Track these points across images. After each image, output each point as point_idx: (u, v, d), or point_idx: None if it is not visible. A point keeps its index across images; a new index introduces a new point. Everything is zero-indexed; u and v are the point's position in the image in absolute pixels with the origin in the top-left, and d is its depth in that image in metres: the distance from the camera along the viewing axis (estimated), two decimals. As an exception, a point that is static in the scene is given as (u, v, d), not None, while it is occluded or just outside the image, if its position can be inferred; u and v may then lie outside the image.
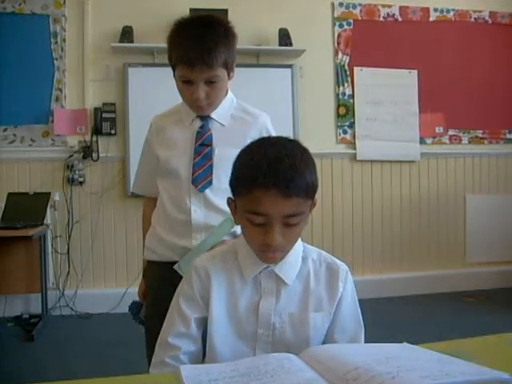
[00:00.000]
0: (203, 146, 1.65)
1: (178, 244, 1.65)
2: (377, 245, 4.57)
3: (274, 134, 1.72)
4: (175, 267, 1.61)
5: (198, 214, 1.64)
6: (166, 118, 1.77)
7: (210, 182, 1.64)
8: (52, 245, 4.06)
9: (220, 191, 1.64)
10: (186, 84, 1.58)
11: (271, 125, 1.77)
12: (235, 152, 1.66)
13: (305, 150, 1.16)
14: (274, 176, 1.05)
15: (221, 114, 1.69)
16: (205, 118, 1.68)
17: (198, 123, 1.68)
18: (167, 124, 1.74)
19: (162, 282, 1.70)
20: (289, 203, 1.07)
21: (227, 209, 1.62)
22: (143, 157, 1.85)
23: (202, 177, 1.64)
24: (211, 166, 1.64)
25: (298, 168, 1.08)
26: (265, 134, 1.68)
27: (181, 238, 1.65)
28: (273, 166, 1.07)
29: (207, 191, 1.64)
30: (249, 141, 1.67)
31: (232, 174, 1.18)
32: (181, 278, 1.62)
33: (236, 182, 1.16)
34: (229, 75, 1.63)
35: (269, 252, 1.13)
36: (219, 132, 1.68)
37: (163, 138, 1.72)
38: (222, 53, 1.56)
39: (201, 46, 1.52)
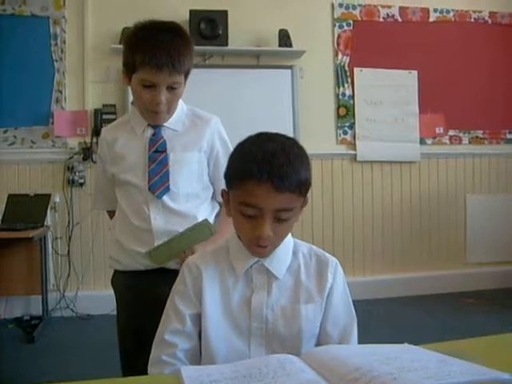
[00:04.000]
0: (157, 153, 1.65)
1: (141, 252, 1.64)
2: (377, 245, 4.57)
3: (225, 135, 1.76)
4: (145, 253, 1.61)
5: (158, 221, 1.64)
6: (116, 129, 1.76)
7: (168, 188, 1.64)
8: (52, 246, 4.07)
9: (178, 196, 1.66)
10: (146, 88, 1.56)
11: (222, 126, 1.78)
12: (190, 156, 1.68)
13: (300, 148, 1.17)
14: (268, 169, 1.07)
15: (173, 121, 1.69)
16: (157, 126, 1.67)
17: (150, 131, 1.67)
18: (117, 136, 1.72)
19: (128, 290, 1.72)
20: (281, 197, 1.09)
21: (188, 213, 1.66)
22: (99, 172, 1.85)
23: (158, 183, 1.63)
24: (167, 172, 1.64)
25: (292, 164, 1.10)
26: (217, 136, 1.73)
27: (144, 246, 1.64)
28: (268, 159, 1.08)
29: (165, 197, 1.64)
30: (205, 144, 1.68)
31: (227, 166, 1.20)
32: (147, 285, 1.64)
33: (230, 174, 1.18)
34: (185, 84, 1.63)
35: (259, 245, 1.14)
36: (172, 138, 1.67)
37: (114, 151, 1.71)
38: (187, 60, 1.57)
39: (170, 51, 1.51)
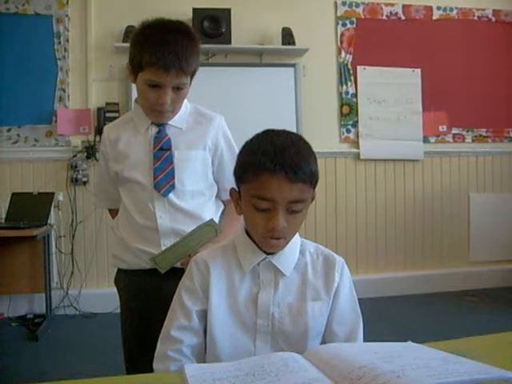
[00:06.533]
0: (162, 151, 1.64)
1: (147, 251, 1.63)
2: (380, 244, 4.57)
3: (229, 133, 1.76)
4: (150, 260, 1.60)
5: (163, 219, 1.63)
6: (119, 127, 1.75)
7: (173, 186, 1.63)
8: (56, 245, 4.07)
9: (184, 194, 1.65)
10: (152, 88, 1.55)
11: (226, 125, 1.78)
12: (194, 154, 1.68)
13: (307, 142, 1.20)
14: (281, 161, 1.09)
15: (177, 119, 1.68)
16: (161, 124, 1.67)
17: (155, 129, 1.67)
18: (120, 134, 1.71)
19: (133, 289, 1.71)
20: (294, 188, 1.10)
21: (194, 211, 1.65)
22: (101, 171, 1.83)
23: (164, 181, 1.62)
24: (173, 170, 1.63)
25: (303, 155, 1.13)
26: (221, 135, 1.73)
27: (149, 244, 1.64)
28: (279, 151, 1.10)
29: (171, 195, 1.63)
30: (209, 142, 1.68)
31: (237, 162, 1.21)
32: (152, 284, 1.63)
33: (242, 169, 1.18)
34: (190, 83, 1.63)
35: (272, 238, 1.15)
36: (177, 136, 1.67)
37: (118, 150, 1.70)
38: (194, 61, 1.57)
39: (178, 52, 1.51)
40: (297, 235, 1.24)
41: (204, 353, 1.20)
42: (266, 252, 1.20)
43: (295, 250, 1.24)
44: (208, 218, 1.64)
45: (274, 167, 1.08)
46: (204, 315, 1.20)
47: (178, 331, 1.19)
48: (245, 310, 1.19)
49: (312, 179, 1.14)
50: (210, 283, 1.20)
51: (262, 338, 1.17)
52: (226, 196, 1.66)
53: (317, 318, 1.19)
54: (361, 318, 1.24)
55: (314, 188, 1.18)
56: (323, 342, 1.22)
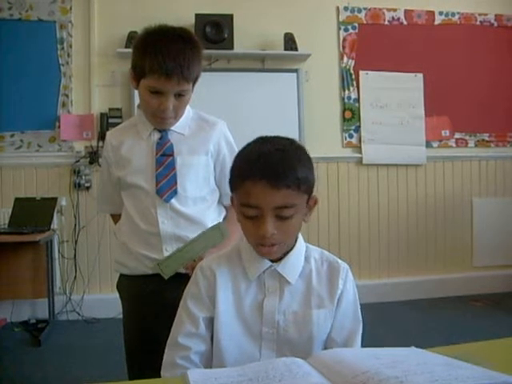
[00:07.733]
0: (165, 157, 1.64)
1: (149, 256, 1.63)
2: (383, 249, 4.56)
3: (231, 139, 1.76)
4: (155, 266, 1.60)
5: (166, 225, 1.63)
6: (122, 133, 1.75)
7: (175, 192, 1.63)
8: (59, 250, 4.08)
9: (186, 199, 1.65)
10: (154, 94, 1.56)
11: (228, 130, 1.78)
12: (197, 159, 1.69)
13: (299, 147, 1.18)
14: (263, 168, 1.09)
15: (179, 124, 1.68)
16: (163, 130, 1.67)
17: (157, 135, 1.67)
18: (123, 139, 1.71)
19: (135, 295, 1.71)
20: (278, 194, 1.09)
21: (196, 216, 1.65)
22: (104, 176, 1.83)
23: (166, 187, 1.63)
24: (175, 176, 1.63)
25: (287, 161, 1.11)
26: (223, 140, 1.73)
27: (151, 250, 1.64)
28: (262, 158, 1.10)
29: (173, 201, 1.63)
30: (211, 147, 1.68)
31: (230, 170, 1.21)
32: (154, 289, 1.63)
33: (231, 177, 1.19)
34: (192, 90, 1.63)
35: (264, 246, 1.15)
36: (179, 141, 1.67)
37: (120, 155, 1.70)
38: (196, 68, 1.57)
39: (180, 59, 1.51)
40: (301, 241, 1.24)
41: (212, 359, 1.20)
42: (271, 260, 1.20)
43: (300, 257, 1.23)
44: (210, 224, 1.64)
45: (254, 174, 1.08)
46: (210, 322, 1.20)
47: (185, 338, 1.18)
48: (251, 318, 1.19)
49: (299, 184, 1.11)
50: (217, 290, 1.20)
51: (268, 346, 1.17)
52: (228, 201, 1.67)
53: (321, 326, 1.19)
54: (361, 325, 1.23)
55: (309, 193, 1.17)
56: (323, 348, 1.21)
